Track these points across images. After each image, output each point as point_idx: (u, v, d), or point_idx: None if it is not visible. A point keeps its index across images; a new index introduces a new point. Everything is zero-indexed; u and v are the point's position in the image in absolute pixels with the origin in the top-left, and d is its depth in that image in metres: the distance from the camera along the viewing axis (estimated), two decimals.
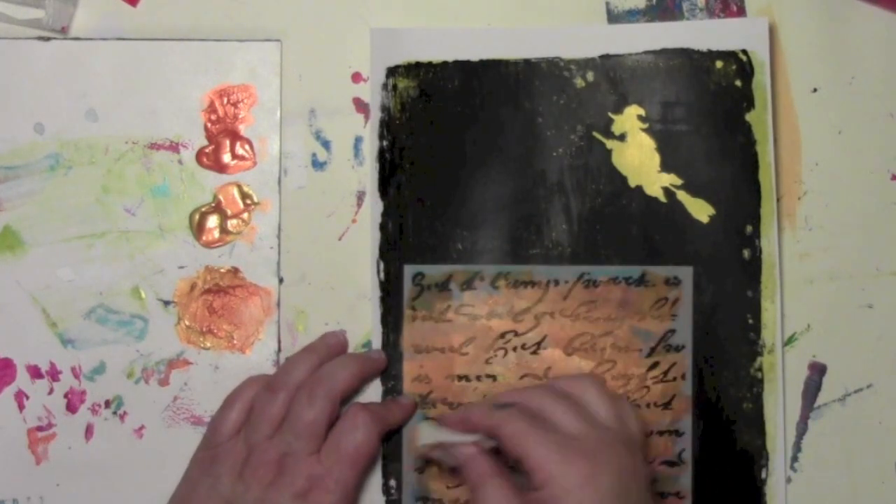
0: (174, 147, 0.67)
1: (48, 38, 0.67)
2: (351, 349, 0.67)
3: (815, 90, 0.68)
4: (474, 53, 0.67)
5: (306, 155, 0.68)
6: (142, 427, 0.66)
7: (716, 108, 0.67)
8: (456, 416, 0.62)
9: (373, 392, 0.66)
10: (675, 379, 0.66)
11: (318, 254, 0.67)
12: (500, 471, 0.59)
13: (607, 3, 0.68)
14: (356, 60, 0.68)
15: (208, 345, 0.67)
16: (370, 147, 0.67)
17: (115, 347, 0.67)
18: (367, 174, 0.67)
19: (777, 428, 0.66)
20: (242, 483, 0.61)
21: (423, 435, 0.63)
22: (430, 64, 0.67)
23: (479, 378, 0.66)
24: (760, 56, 0.67)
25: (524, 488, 0.58)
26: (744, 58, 0.67)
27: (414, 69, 0.67)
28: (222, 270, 0.67)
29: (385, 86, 0.67)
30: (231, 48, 0.67)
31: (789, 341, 0.68)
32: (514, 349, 0.66)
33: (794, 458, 0.67)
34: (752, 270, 0.67)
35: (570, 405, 0.60)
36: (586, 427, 0.59)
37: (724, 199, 0.67)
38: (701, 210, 0.67)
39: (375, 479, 0.66)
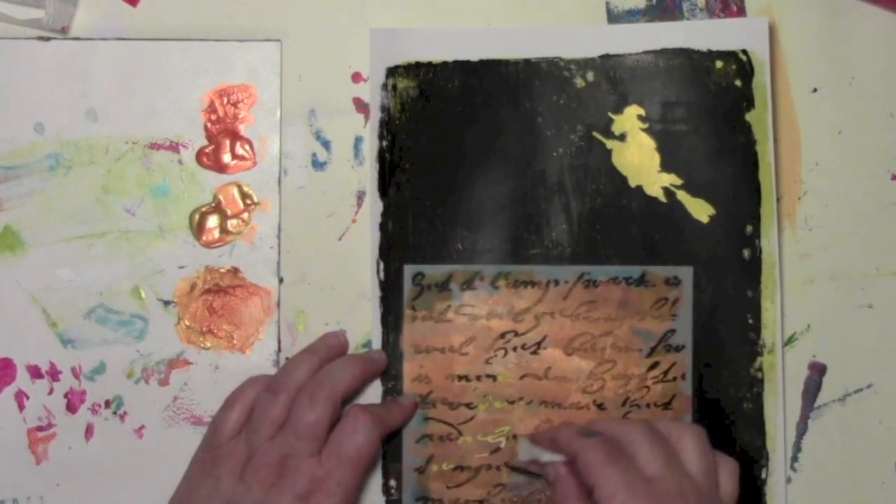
0: (174, 147, 0.67)
1: (48, 38, 0.67)
2: (351, 349, 0.67)
3: (815, 90, 0.68)
4: (474, 53, 0.67)
5: (306, 155, 0.68)
6: (142, 427, 0.66)
7: (716, 108, 0.67)
8: (547, 434, 0.63)
9: (373, 392, 0.66)
10: (675, 379, 0.66)
11: (318, 254, 0.67)
12: (583, 495, 0.59)
13: (607, 3, 0.68)
14: (356, 60, 0.68)
15: (208, 345, 0.67)
16: (370, 147, 0.67)
17: (115, 347, 0.67)
18: (367, 174, 0.67)
19: (777, 428, 0.66)
20: (244, 484, 0.61)
21: (521, 451, 0.64)
22: (430, 64, 0.67)
23: (479, 378, 0.66)
24: (760, 56, 0.67)
25: None
26: (744, 58, 0.67)
27: (414, 69, 0.67)
28: (222, 270, 0.67)
29: (385, 86, 0.67)
30: (231, 48, 0.67)
31: (789, 341, 0.68)
32: (514, 349, 0.66)
33: (794, 458, 0.67)
34: (752, 270, 0.67)
35: (658, 447, 0.59)
36: (666, 472, 0.58)
37: (724, 199, 0.67)
38: (701, 210, 0.67)
39: (375, 479, 0.66)
